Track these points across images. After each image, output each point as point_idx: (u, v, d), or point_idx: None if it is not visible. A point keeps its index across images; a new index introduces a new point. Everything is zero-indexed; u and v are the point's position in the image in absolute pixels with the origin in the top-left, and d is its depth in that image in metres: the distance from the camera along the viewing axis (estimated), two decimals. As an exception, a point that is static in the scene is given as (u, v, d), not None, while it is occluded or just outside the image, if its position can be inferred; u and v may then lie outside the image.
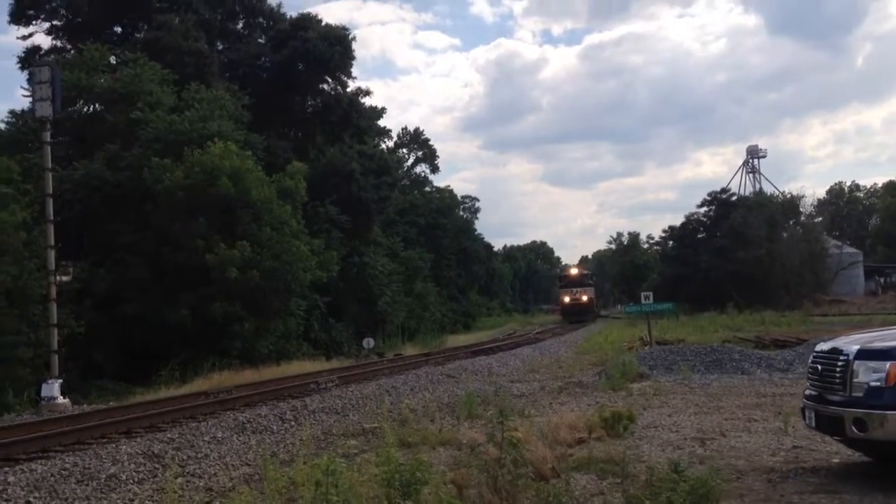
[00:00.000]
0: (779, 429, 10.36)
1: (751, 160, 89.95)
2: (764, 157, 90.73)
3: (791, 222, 68.36)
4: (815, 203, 75.56)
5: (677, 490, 6.28)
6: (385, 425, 11.31)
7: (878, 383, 6.91)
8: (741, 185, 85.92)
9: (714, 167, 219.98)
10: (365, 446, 11.13)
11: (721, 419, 11.83)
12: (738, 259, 60.85)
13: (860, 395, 7.03)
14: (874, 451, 7.67)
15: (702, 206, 71.39)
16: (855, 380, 7.07)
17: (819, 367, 7.70)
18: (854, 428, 6.98)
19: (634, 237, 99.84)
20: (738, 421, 11.59)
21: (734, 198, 73.26)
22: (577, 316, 63.93)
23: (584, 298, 67.04)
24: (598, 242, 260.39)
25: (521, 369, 23.46)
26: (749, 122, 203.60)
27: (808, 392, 7.99)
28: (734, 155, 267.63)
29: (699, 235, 71.54)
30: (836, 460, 8.43)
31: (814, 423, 7.69)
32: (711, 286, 60.27)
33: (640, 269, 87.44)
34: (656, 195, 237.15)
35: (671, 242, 76.21)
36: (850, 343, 7.54)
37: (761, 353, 21.55)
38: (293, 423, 13.33)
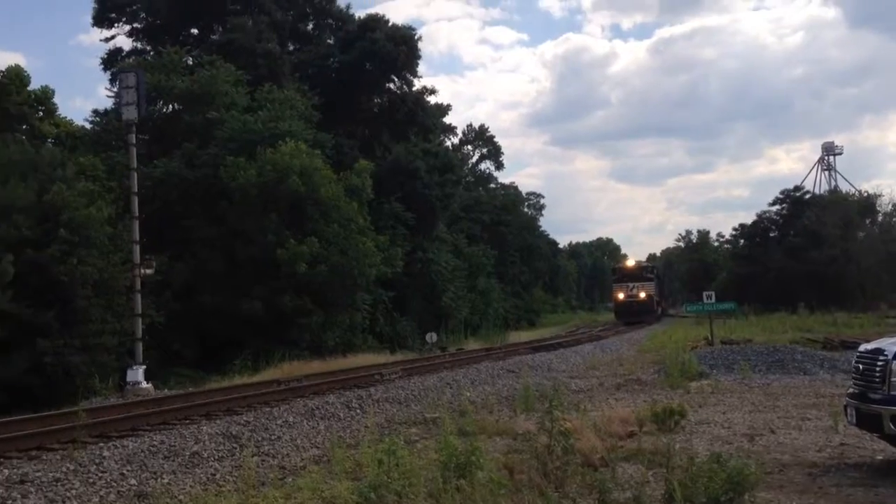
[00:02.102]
0: (829, 427, 10.57)
1: (826, 157, 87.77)
2: (840, 153, 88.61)
3: (868, 221, 66.51)
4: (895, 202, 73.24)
5: (714, 478, 6.70)
6: (445, 415, 11.90)
7: (917, 382, 7.16)
8: (816, 183, 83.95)
9: (790, 164, 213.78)
10: (425, 434, 11.75)
11: (774, 417, 12.07)
12: (811, 259, 59.62)
13: (899, 393, 7.29)
14: (912, 448, 7.92)
15: (774, 204, 70.20)
16: (893, 378, 7.34)
17: (861, 366, 7.98)
18: (892, 425, 7.25)
19: (704, 235, 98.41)
20: (791, 419, 11.81)
21: (808, 196, 71.69)
22: (632, 316, 55.93)
23: (642, 295, 58.05)
24: (667, 240, 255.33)
25: (580, 366, 23.79)
26: (827, 118, 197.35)
27: (850, 390, 8.27)
28: (811, 151, 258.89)
29: (771, 234, 70.25)
30: (879, 457, 8.67)
31: (854, 421, 7.96)
32: (783, 286, 59.22)
33: (710, 267, 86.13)
34: (728, 192, 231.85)
35: (742, 241, 74.86)
36: (893, 343, 7.78)
37: (826, 354, 21.47)
38: (358, 410, 14.05)
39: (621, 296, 59.38)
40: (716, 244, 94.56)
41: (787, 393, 15.32)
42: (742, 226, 75.04)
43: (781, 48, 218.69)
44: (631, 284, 58.84)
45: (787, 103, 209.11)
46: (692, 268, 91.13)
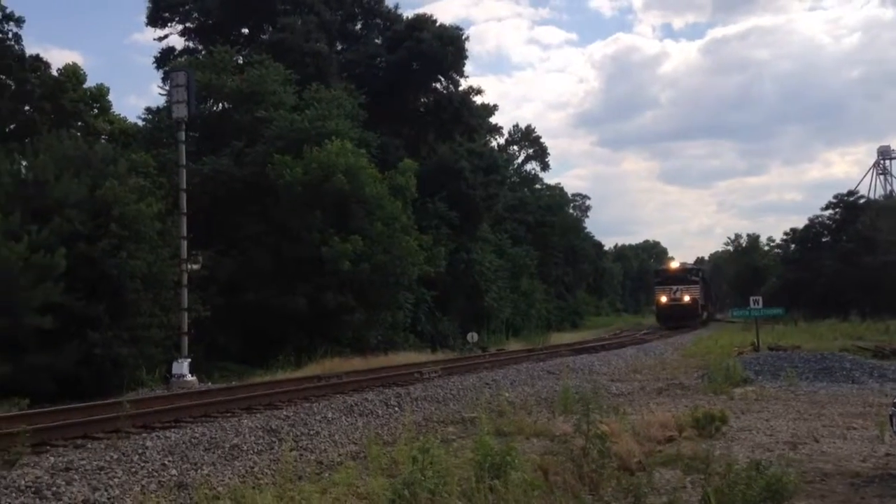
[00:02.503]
0: (875, 437, 10.33)
1: (882, 161, 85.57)
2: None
3: (924, 227, 64.67)
4: (954, 207, 71.03)
5: (752, 486, 6.59)
6: (483, 415, 11.93)
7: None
8: (871, 188, 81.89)
9: (845, 167, 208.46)
10: (462, 433, 11.79)
11: (819, 426, 11.82)
12: (865, 265, 58.16)
13: (945, 404, 7.09)
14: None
15: (826, 208, 68.71)
16: (942, 389, 7.14)
17: (908, 375, 7.77)
18: (939, 436, 7.05)
19: (754, 239, 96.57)
20: (836, 428, 11.56)
21: (862, 200, 70.00)
22: (675, 320, 52.22)
23: (687, 299, 54.69)
24: (716, 243, 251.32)
25: (622, 369, 23.58)
26: (884, 121, 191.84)
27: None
28: (867, 155, 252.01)
29: (823, 239, 68.79)
30: (927, 469, 8.43)
31: (899, 431, 7.76)
32: (834, 292, 57.97)
33: (759, 272, 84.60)
34: (780, 195, 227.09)
35: (793, 246, 73.39)
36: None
37: (876, 362, 20.99)
38: (397, 408, 14.14)
39: (664, 299, 56.13)
40: (766, 248, 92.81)
41: (833, 401, 14.99)
42: (793, 230, 73.56)
43: (838, 49, 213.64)
44: (674, 287, 55.64)
45: (842, 105, 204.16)
46: (741, 272, 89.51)
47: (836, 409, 13.91)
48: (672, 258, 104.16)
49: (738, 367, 19.22)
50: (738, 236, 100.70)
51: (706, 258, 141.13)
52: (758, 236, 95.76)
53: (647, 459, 9.01)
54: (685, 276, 57.37)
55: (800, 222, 76.26)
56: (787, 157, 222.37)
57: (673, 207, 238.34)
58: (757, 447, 10.06)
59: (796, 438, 10.64)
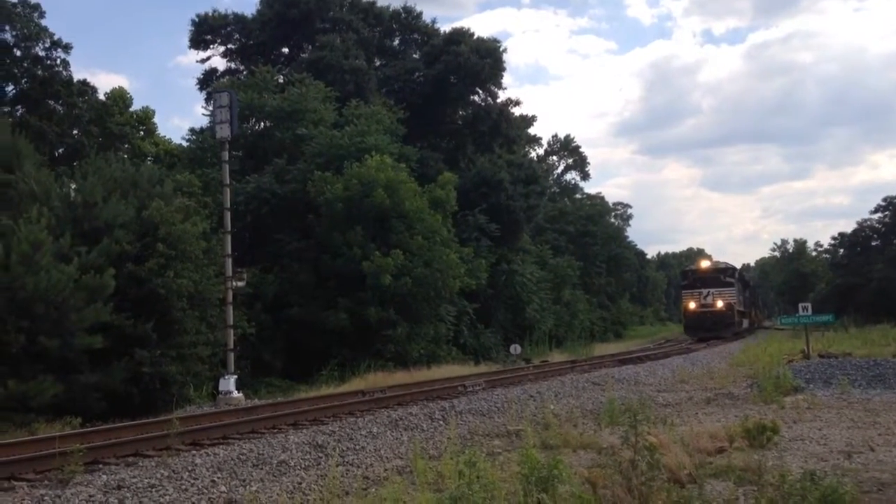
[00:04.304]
0: (935, 446, 10.02)
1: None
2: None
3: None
4: None
5: (807, 497, 6.44)
6: (528, 428, 11.86)
7: None
8: (922, 189, 79.94)
9: (893, 169, 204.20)
10: (508, 446, 11.71)
11: (874, 434, 11.52)
12: (917, 268, 56.81)
13: None
14: None
15: (875, 211, 67.35)
16: None
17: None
18: None
19: (801, 244, 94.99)
20: (892, 436, 11.27)
21: (912, 202, 68.35)
22: (705, 331, 44.96)
23: (720, 304, 45.83)
24: (762, 249, 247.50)
25: (669, 379, 23.22)
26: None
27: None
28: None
29: (873, 243, 67.36)
30: None
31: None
32: (885, 297, 56.68)
33: (807, 278, 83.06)
34: (827, 199, 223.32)
35: (841, 250, 71.98)
36: None
37: (932, 369, 20.29)
38: (441, 422, 14.11)
39: (692, 305, 46.99)
40: (814, 254, 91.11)
41: (888, 409, 14.59)
42: (841, 234, 72.23)
43: (884, 50, 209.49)
44: (705, 291, 46.75)
45: (889, 106, 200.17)
46: (788, 278, 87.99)
47: (891, 416, 13.53)
48: (704, 253, 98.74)
49: (788, 376, 18.82)
50: (784, 242, 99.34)
51: (752, 265, 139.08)
52: (805, 241, 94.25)
53: (697, 471, 8.84)
54: (718, 276, 47.80)
55: (848, 226, 75.07)
56: (833, 161, 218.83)
57: (716, 214, 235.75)
58: (810, 457, 9.83)
59: (851, 447, 10.37)
